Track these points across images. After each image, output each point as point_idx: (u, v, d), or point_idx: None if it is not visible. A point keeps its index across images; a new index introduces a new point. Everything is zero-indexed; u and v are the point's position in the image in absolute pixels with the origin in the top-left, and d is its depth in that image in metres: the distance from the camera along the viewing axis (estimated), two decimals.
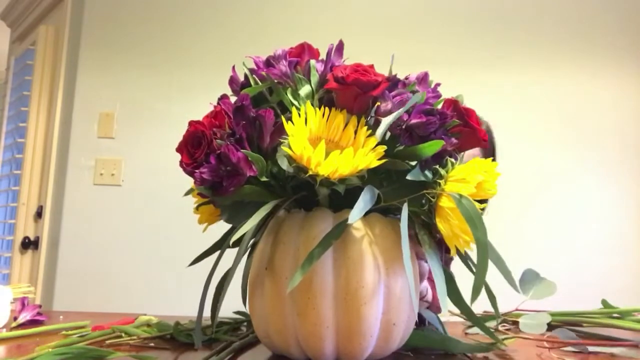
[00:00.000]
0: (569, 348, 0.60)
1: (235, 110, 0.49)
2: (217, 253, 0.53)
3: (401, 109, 0.49)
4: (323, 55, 0.56)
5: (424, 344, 0.57)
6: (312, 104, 0.50)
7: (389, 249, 0.48)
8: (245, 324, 0.73)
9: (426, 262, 0.57)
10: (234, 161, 0.47)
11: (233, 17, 1.93)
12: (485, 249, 0.45)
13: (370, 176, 0.48)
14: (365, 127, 0.49)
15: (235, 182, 0.47)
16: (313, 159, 0.44)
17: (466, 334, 0.73)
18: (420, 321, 0.65)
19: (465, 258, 0.52)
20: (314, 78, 0.53)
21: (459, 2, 1.95)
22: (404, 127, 0.50)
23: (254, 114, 0.49)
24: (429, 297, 0.73)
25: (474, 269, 0.46)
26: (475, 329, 0.72)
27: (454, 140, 0.50)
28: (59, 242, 1.82)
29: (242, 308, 0.54)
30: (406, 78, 0.55)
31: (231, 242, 0.46)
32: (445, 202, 0.47)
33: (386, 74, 0.52)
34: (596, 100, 1.91)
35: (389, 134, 0.51)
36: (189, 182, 0.53)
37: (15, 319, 0.73)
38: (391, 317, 0.48)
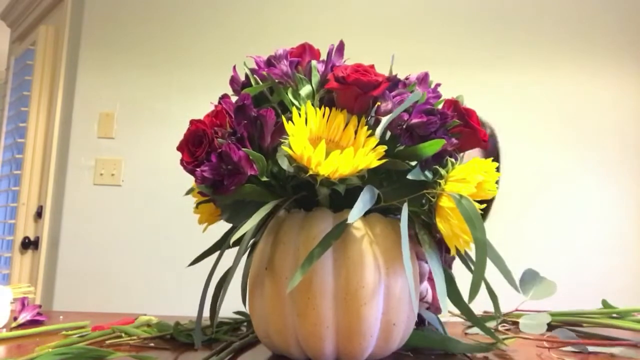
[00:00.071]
0: (569, 348, 0.60)
1: (236, 110, 0.49)
2: (217, 253, 0.53)
3: (399, 108, 0.49)
4: (323, 56, 0.56)
5: (424, 344, 0.57)
6: (313, 104, 0.50)
7: (389, 249, 0.48)
8: (245, 324, 0.73)
9: (426, 262, 0.57)
10: (235, 160, 0.47)
11: (233, 17, 1.93)
12: (484, 248, 0.45)
13: (371, 176, 0.48)
14: (366, 127, 0.49)
15: (236, 181, 0.47)
16: (313, 159, 0.44)
17: (466, 334, 0.73)
18: (420, 321, 0.64)
19: (465, 258, 0.52)
20: (315, 78, 0.53)
21: (459, 2, 1.95)
22: (404, 126, 0.50)
23: (255, 114, 0.49)
24: (429, 297, 0.73)
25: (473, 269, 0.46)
26: (475, 329, 0.72)
27: (454, 140, 0.50)
28: (59, 242, 1.82)
29: (242, 308, 0.54)
30: (406, 78, 0.55)
31: (231, 242, 0.46)
32: (445, 202, 0.47)
33: (386, 74, 0.52)
34: (596, 100, 1.91)
35: (389, 133, 0.51)
36: (189, 182, 0.53)
37: (15, 319, 0.73)
38: (391, 318, 0.48)
